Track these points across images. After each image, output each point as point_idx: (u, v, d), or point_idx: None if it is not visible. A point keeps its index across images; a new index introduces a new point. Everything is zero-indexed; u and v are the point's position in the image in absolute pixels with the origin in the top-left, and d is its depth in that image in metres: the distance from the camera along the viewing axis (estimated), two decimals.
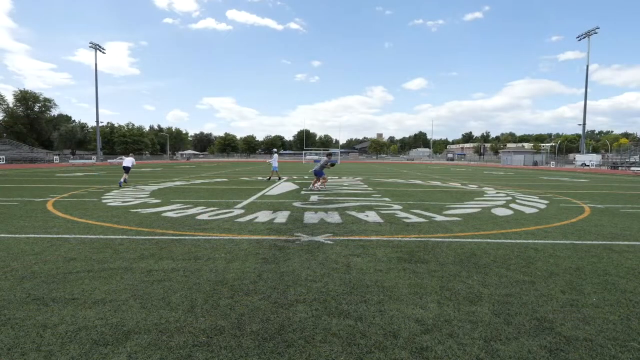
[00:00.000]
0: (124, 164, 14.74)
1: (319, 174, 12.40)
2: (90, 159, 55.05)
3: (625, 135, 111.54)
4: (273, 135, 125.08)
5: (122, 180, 14.03)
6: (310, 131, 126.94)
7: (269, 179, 17.89)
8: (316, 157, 75.48)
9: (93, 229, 5.93)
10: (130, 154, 16.08)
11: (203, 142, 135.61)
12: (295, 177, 19.47)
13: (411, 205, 9.05)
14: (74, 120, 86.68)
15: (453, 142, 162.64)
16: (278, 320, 2.75)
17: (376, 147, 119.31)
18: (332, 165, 13.66)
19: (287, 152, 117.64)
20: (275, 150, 22.94)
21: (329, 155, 15.34)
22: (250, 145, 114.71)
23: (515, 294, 3.30)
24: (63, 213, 7.37)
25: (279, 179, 17.93)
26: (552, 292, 3.37)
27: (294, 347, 2.39)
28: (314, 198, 10.21)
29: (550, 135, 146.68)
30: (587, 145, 74.96)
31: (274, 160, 17.55)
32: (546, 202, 9.94)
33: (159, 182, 15.82)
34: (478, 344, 2.45)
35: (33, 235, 5.38)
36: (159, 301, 3.07)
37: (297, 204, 9.01)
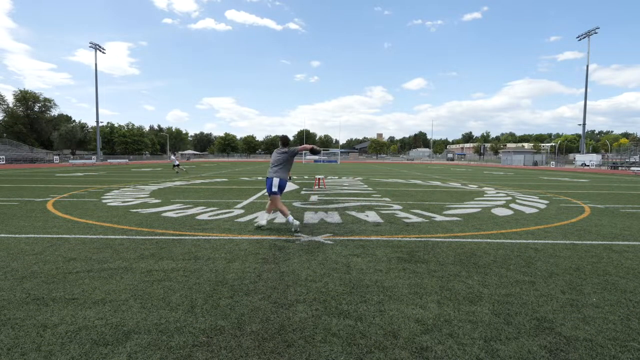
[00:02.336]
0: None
1: None
2: (91, 159, 55.04)
3: (625, 135, 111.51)
4: (273, 135, 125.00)
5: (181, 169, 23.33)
6: (310, 131, 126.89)
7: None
8: (316, 157, 75.18)
9: (93, 229, 5.93)
10: (172, 153, 24.24)
11: (203, 142, 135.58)
12: (295, 177, 19.46)
13: (411, 205, 9.05)
14: (74, 120, 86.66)
15: (453, 142, 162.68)
16: (278, 320, 2.75)
17: (376, 147, 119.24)
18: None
19: None
20: None
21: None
22: (250, 146, 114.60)
23: (515, 294, 3.30)
24: (63, 213, 7.37)
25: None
26: (552, 292, 3.37)
27: (294, 347, 2.39)
28: (314, 198, 10.21)
29: (550, 135, 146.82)
30: (587, 145, 74.93)
31: None
32: (546, 202, 9.93)
33: (159, 182, 15.82)
34: (478, 344, 2.45)
35: (33, 235, 5.37)
36: (159, 301, 3.07)
37: (297, 204, 9.01)
